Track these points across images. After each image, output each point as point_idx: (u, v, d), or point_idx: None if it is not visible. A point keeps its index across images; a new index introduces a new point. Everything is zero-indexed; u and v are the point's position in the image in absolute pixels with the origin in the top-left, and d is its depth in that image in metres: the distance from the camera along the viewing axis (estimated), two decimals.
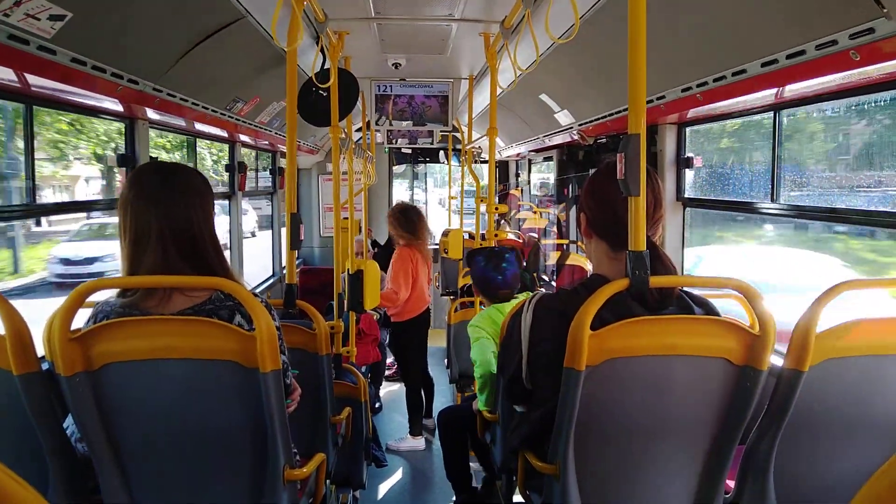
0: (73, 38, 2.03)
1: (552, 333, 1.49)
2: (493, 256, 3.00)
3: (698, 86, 2.59)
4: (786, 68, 2.09)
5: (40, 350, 1.51)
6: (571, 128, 4.40)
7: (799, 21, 1.94)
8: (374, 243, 6.63)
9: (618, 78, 3.23)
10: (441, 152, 8.21)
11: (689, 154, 3.42)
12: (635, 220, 1.39)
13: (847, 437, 1.60)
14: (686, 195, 3.47)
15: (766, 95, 2.47)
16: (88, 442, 1.46)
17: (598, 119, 3.83)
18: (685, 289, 1.58)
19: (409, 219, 4.86)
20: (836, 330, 1.53)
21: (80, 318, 1.49)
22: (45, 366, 1.48)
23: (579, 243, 5.07)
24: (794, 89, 2.34)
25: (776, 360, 1.50)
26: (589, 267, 1.72)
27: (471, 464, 3.29)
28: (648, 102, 2.91)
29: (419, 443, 4.85)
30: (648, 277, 1.38)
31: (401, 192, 8.97)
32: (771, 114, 2.71)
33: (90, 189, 10.12)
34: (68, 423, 1.60)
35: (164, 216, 1.53)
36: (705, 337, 1.43)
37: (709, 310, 1.57)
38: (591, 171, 1.74)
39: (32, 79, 2.13)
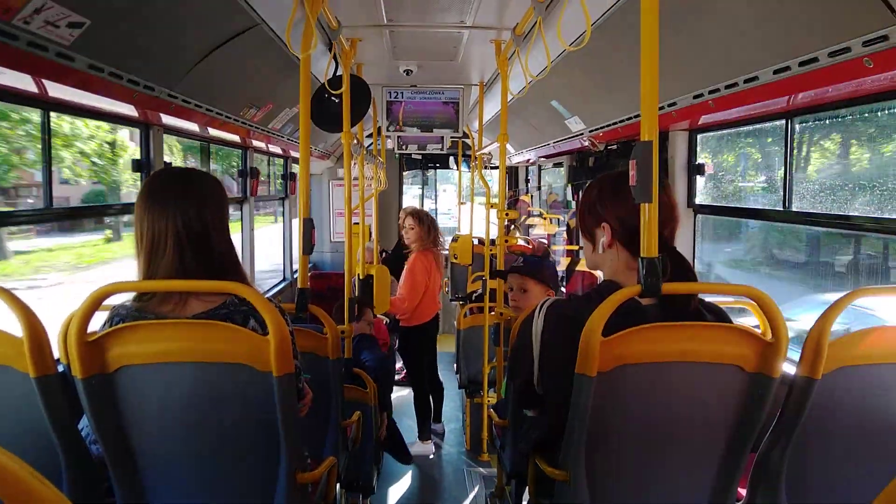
0: (90, 45, 2.06)
1: (564, 339, 1.49)
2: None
3: (710, 92, 2.59)
4: (798, 75, 2.08)
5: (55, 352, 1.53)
6: (582, 134, 4.40)
7: (811, 28, 1.94)
8: (383, 250, 6.65)
9: (629, 84, 3.23)
10: (451, 158, 8.22)
11: (700, 161, 3.41)
12: (648, 226, 1.39)
13: (860, 447, 1.59)
14: (697, 202, 3.46)
15: (779, 102, 2.46)
16: (103, 443, 1.48)
17: (610, 125, 3.83)
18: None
19: (429, 223, 4.90)
20: (851, 337, 1.51)
21: (95, 322, 1.51)
22: (59, 368, 1.50)
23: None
24: (807, 96, 2.33)
25: (789, 368, 1.49)
26: (599, 274, 1.70)
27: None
28: (660, 109, 2.91)
29: (428, 447, 4.85)
30: (661, 283, 1.38)
31: (411, 199, 9.00)
32: (783, 121, 2.70)
33: None
34: (82, 424, 1.62)
35: (181, 221, 1.55)
36: (717, 344, 1.43)
37: (720, 316, 1.57)
38: (606, 178, 1.70)
39: (50, 85, 2.16)
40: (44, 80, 2.10)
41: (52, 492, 0.55)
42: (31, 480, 0.53)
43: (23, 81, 2.07)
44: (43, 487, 0.54)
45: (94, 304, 1.43)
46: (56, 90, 2.24)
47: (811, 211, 2.71)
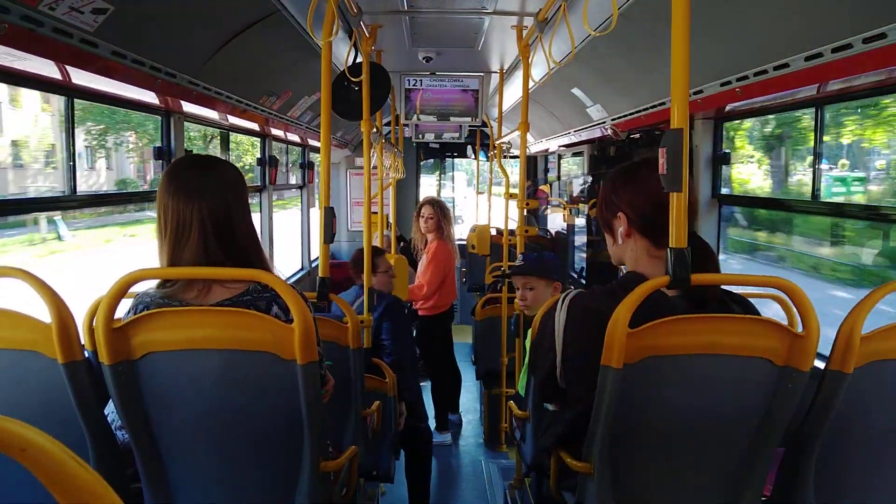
0: (114, 32, 2.06)
1: (588, 332, 1.47)
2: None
3: (738, 80, 2.53)
4: (831, 62, 2.03)
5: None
6: (604, 122, 4.34)
7: (845, 14, 1.89)
8: (401, 238, 6.64)
9: (654, 71, 3.18)
10: (469, 147, 8.18)
11: (725, 150, 3.36)
12: (677, 216, 1.36)
13: (892, 443, 1.55)
14: (721, 192, 3.41)
15: (809, 89, 2.40)
16: (129, 429, 1.49)
17: (633, 114, 3.77)
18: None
19: (448, 212, 4.93)
20: (886, 330, 1.47)
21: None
22: (85, 353, 1.51)
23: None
24: (838, 83, 2.27)
25: (817, 363, 1.45)
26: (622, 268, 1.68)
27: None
28: None
29: (446, 437, 4.86)
30: (690, 275, 1.35)
31: (428, 188, 8.98)
32: (812, 109, 2.64)
33: None
34: (108, 410, 1.63)
35: (205, 208, 1.55)
36: (747, 336, 1.40)
37: (747, 308, 1.54)
38: (619, 169, 1.69)
39: (74, 72, 2.17)
40: (67, 67, 2.11)
41: (91, 473, 0.55)
42: (70, 462, 0.54)
43: (47, 68, 2.08)
44: (81, 469, 0.55)
45: (121, 290, 1.43)
46: (79, 77, 2.25)
47: (839, 202, 2.65)
